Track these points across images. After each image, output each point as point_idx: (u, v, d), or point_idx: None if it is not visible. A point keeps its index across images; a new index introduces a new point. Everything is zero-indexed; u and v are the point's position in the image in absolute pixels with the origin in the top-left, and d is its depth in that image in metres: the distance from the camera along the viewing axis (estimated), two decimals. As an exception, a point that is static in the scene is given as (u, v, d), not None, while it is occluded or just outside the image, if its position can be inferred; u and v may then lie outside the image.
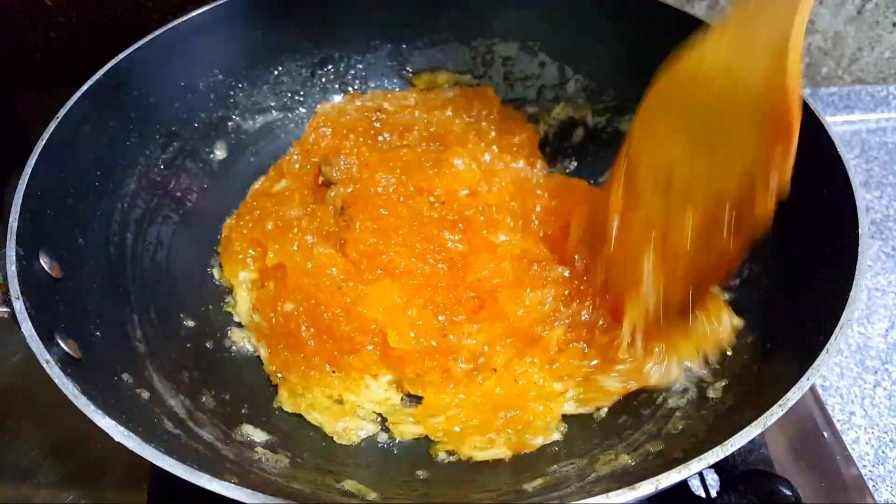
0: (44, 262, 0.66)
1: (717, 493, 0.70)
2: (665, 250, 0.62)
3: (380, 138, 0.98)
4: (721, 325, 0.70)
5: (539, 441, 0.73)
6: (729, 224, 0.58)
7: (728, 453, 0.53)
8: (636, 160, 0.65)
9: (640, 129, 0.66)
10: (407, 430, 0.76)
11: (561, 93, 1.04)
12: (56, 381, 0.55)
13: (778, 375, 0.62)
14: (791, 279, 0.74)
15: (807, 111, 0.76)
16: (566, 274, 0.79)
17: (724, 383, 0.71)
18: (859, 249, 0.65)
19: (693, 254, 0.61)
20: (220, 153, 0.98)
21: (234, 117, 1.00)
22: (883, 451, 0.83)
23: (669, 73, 0.60)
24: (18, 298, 0.59)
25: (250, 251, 0.89)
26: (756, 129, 0.55)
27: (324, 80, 1.05)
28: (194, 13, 0.90)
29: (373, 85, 1.07)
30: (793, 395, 0.56)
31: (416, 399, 0.79)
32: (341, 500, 0.66)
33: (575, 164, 1.01)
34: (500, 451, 0.72)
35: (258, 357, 0.83)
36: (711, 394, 0.71)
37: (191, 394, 0.74)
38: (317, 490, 0.66)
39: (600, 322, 0.76)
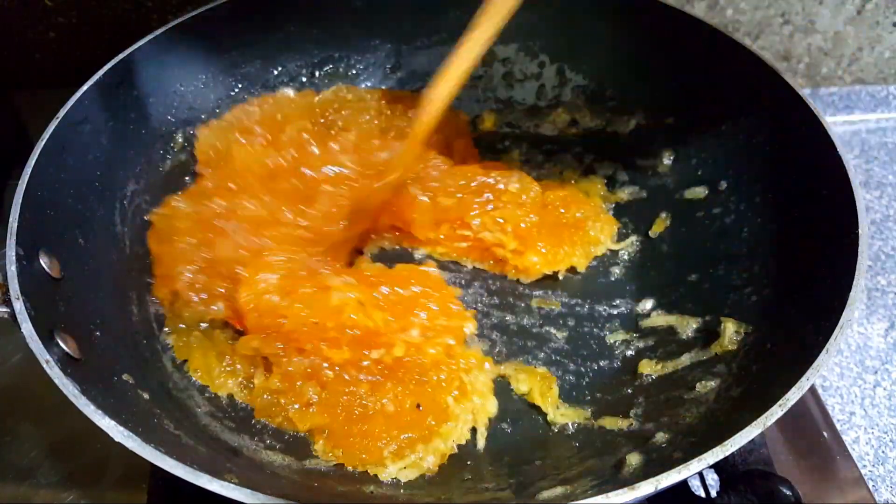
0: (44, 262, 0.66)
1: (717, 493, 0.70)
2: None
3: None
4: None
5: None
6: None
7: (728, 453, 0.53)
8: None
9: None
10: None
11: (560, 93, 1.04)
12: (56, 381, 0.55)
13: (778, 375, 0.62)
14: (791, 279, 0.74)
15: (807, 111, 0.76)
16: None
17: (723, 384, 0.71)
18: (859, 249, 0.65)
19: None
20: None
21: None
22: (883, 451, 0.83)
23: None
24: (18, 298, 0.59)
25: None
26: None
27: (324, 79, 1.05)
28: (194, 13, 0.91)
29: (370, 83, 1.07)
30: (793, 395, 0.56)
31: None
32: (342, 499, 0.66)
33: (574, 165, 1.01)
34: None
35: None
36: (711, 394, 0.71)
37: (193, 392, 0.75)
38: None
39: None
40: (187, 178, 0.93)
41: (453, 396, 0.73)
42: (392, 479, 0.70)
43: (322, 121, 0.98)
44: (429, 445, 0.71)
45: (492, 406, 0.76)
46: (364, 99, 1.01)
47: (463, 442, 0.73)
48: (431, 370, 0.73)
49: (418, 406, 0.71)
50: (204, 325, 0.79)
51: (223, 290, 0.79)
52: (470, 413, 0.74)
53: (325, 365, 0.73)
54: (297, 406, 0.72)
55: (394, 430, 0.70)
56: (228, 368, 0.77)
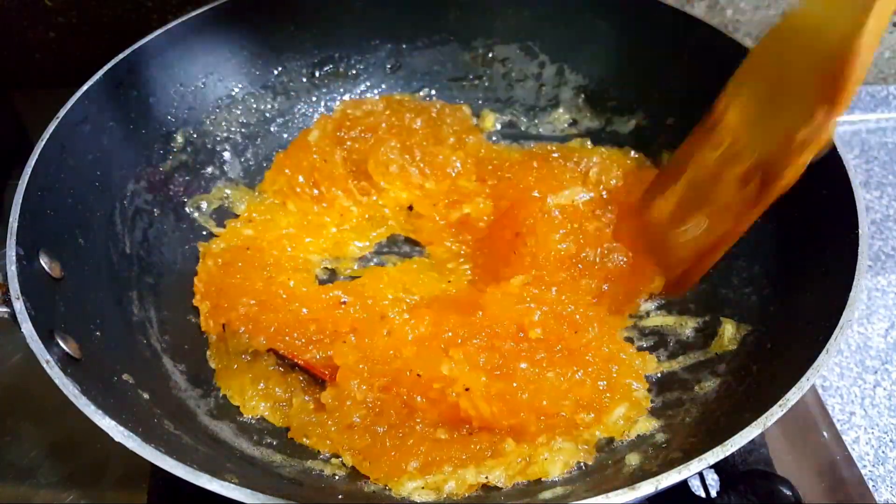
0: (44, 262, 0.66)
1: (717, 493, 0.70)
2: (707, 202, 0.67)
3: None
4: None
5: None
6: (762, 181, 0.63)
7: (728, 453, 0.53)
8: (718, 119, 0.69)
9: (730, 89, 0.69)
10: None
11: (560, 93, 1.04)
12: (56, 381, 0.55)
13: (778, 375, 0.62)
14: (791, 279, 0.74)
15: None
16: None
17: (723, 384, 0.71)
18: (859, 249, 0.65)
19: (723, 208, 0.66)
20: (219, 153, 0.98)
21: (234, 117, 1.00)
22: (883, 451, 0.83)
23: (768, 32, 0.63)
24: (18, 298, 0.59)
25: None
26: (814, 88, 0.58)
27: (324, 79, 1.05)
28: (194, 13, 0.91)
29: (370, 83, 1.07)
30: (793, 395, 0.56)
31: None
32: (343, 500, 0.66)
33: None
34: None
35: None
36: (711, 394, 0.71)
37: (193, 392, 0.75)
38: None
39: None
40: (187, 178, 0.94)
41: (511, 444, 0.69)
42: (405, 497, 0.67)
43: (347, 145, 0.97)
44: (457, 471, 0.67)
45: (552, 472, 0.69)
46: (372, 112, 1.01)
47: (495, 483, 0.68)
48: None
49: (470, 433, 0.69)
50: (247, 356, 0.78)
51: (274, 325, 0.77)
52: (522, 462, 0.69)
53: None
54: (335, 427, 0.71)
55: (423, 446, 0.68)
56: (262, 392, 0.76)
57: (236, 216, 0.94)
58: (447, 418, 0.70)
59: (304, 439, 0.72)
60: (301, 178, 0.95)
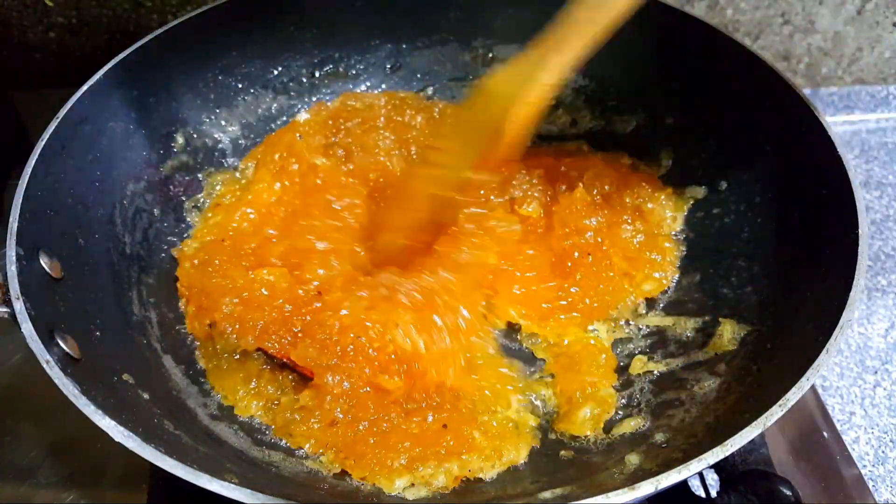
0: (44, 262, 0.66)
1: (717, 493, 0.70)
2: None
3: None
4: None
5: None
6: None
7: (728, 453, 0.53)
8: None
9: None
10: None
11: (560, 94, 1.04)
12: (56, 381, 0.55)
13: (778, 375, 0.62)
14: (791, 279, 0.74)
15: (807, 111, 0.76)
16: None
17: (723, 384, 0.71)
18: (859, 249, 0.65)
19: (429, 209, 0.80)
20: (220, 153, 0.98)
21: (234, 117, 1.00)
22: (883, 451, 0.83)
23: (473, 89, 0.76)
24: (18, 298, 0.59)
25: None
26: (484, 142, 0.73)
27: (325, 79, 1.05)
28: (194, 13, 0.91)
29: (370, 83, 1.07)
30: (793, 395, 0.56)
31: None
32: (342, 500, 0.66)
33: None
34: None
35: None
36: (711, 394, 0.71)
37: (193, 392, 0.75)
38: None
39: None
40: (187, 178, 0.94)
41: (481, 432, 0.71)
42: (398, 494, 0.67)
43: (335, 139, 0.97)
44: (442, 465, 0.68)
45: (523, 455, 0.72)
46: (372, 106, 1.00)
47: (480, 476, 0.70)
48: (479, 404, 0.73)
49: (444, 426, 0.70)
50: (236, 355, 0.78)
51: (261, 323, 0.76)
52: (495, 454, 0.71)
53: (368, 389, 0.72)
54: (318, 425, 0.71)
55: (408, 441, 0.69)
56: (254, 391, 0.76)
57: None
58: (405, 382, 0.72)
59: (289, 437, 0.72)
60: (276, 156, 0.95)
